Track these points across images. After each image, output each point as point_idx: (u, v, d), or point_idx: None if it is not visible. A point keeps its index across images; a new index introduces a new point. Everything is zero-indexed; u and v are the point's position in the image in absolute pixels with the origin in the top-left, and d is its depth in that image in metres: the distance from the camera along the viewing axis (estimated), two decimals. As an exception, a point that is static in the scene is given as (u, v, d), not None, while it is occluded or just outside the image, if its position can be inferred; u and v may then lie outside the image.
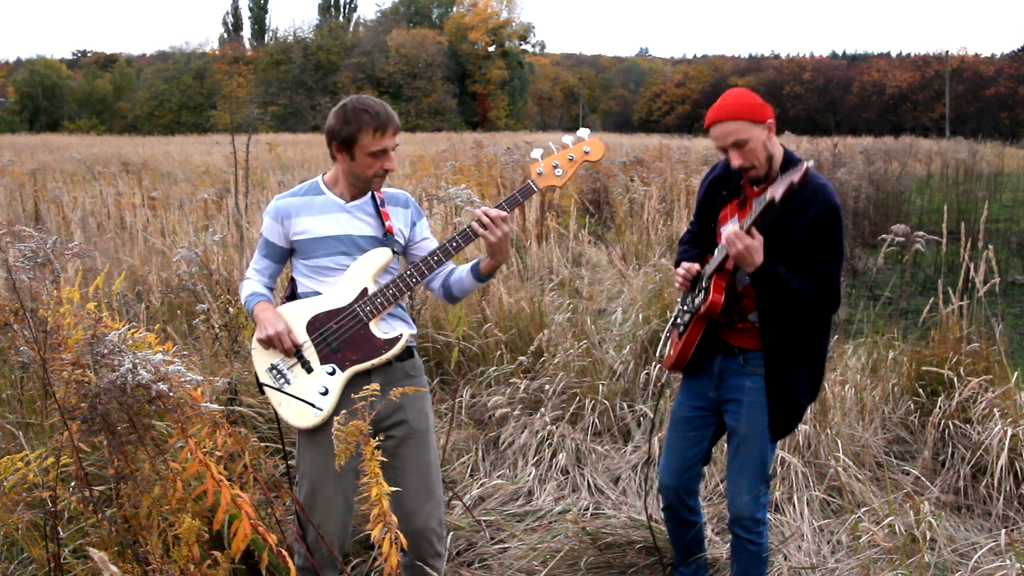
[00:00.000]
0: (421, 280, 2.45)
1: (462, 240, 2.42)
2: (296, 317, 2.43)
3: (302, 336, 2.41)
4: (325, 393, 2.37)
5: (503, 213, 2.37)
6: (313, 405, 2.36)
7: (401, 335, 2.44)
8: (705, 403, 2.70)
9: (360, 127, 2.32)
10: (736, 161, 2.42)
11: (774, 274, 2.39)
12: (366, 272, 2.44)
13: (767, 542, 2.69)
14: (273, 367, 2.41)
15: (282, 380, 2.40)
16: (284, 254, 2.53)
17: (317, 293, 2.46)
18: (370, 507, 1.82)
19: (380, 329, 2.44)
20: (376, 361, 2.41)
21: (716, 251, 2.52)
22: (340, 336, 2.40)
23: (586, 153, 2.48)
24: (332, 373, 2.39)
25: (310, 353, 2.40)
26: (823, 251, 2.44)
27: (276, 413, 2.45)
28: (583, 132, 2.50)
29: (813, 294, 2.42)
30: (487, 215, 2.36)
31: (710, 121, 2.43)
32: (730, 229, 2.40)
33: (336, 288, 2.44)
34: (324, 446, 2.35)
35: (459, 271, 2.56)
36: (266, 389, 2.42)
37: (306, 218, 2.44)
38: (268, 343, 2.38)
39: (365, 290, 2.43)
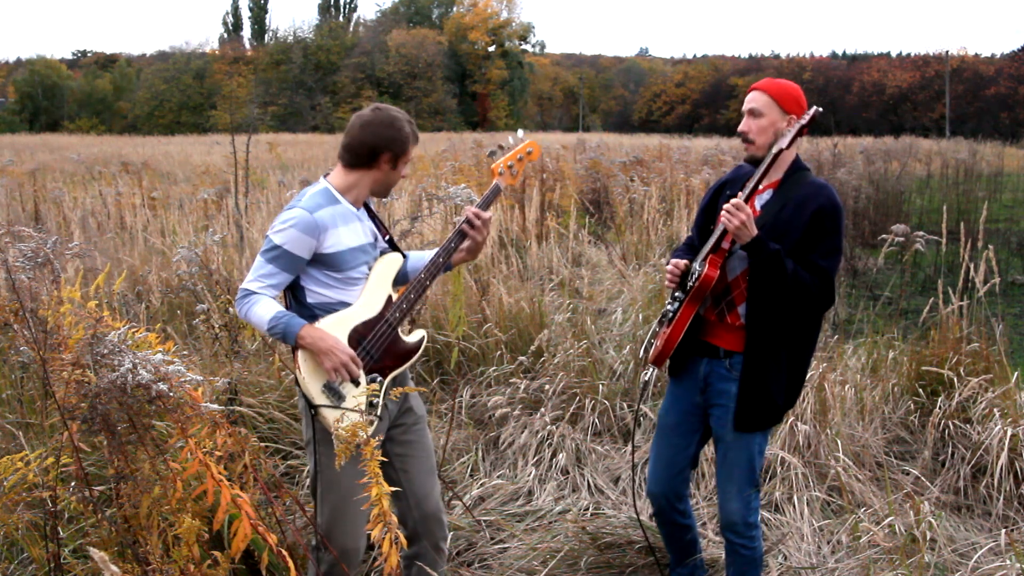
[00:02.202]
0: (433, 281, 2.55)
1: (458, 240, 2.56)
2: (337, 332, 2.40)
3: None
4: (373, 403, 2.42)
5: (489, 215, 2.57)
6: (368, 416, 2.39)
7: (423, 335, 2.57)
8: (691, 408, 2.69)
9: (411, 141, 2.47)
10: (742, 126, 2.56)
11: (768, 247, 2.41)
12: (387, 279, 2.52)
13: (760, 545, 2.69)
14: (327, 386, 2.37)
15: (336, 398, 2.38)
16: (302, 267, 2.43)
17: (341, 303, 2.44)
18: (370, 507, 1.82)
19: (404, 334, 2.53)
20: (409, 364, 2.52)
21: (713, 232, 2.56)
22: (380, 346, 2.45)
23: (529, 153, 2.76)
24: (374, 381, 2.43)
25: None
26: (821, 247, 2.46)
27: (316, 433, 2.42)
28: (520, 133, 2.79)
29: (807, 281, 2.43)
30: (479, 216, 2.54)
31: (751, 87, 2.60)
32: (728, 203, 2.42)
33: (364, 298, 2.46)
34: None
35: (414, 260, 2.65)
36: (322, 411, 2.37)
37: (336, 230, 2.41)
38: (342, 372, 2.34)
39: (390, 297, 2.49)
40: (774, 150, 2.41)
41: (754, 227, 2.41)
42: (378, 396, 2.41)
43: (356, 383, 2.39)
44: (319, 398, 2.35)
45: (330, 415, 2.35)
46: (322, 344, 2.31)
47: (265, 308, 2.34)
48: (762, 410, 2.53)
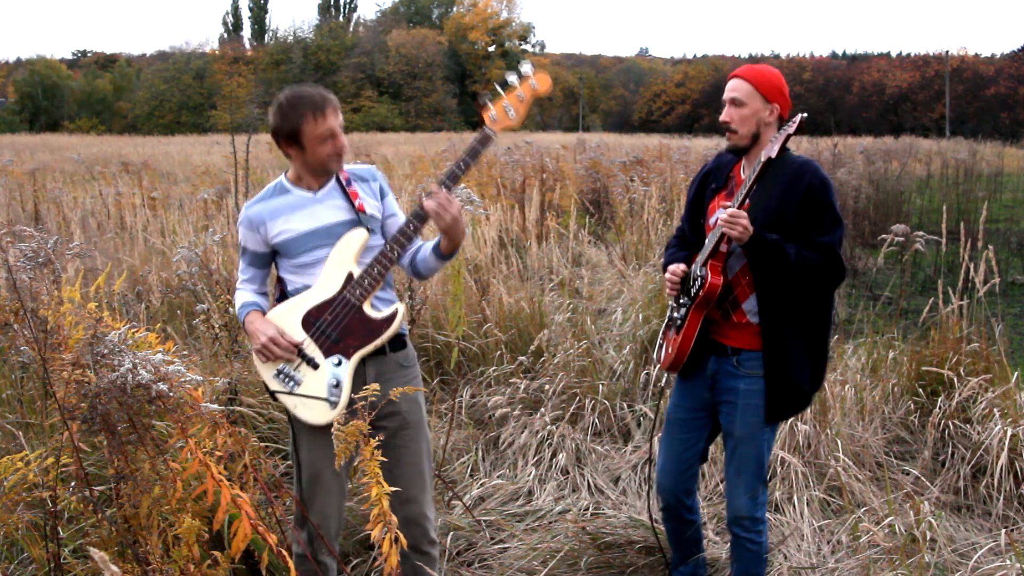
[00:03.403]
0: (403, 252, 2.45)
1: (416, 222, 2.43)
2: (289, 317, 2.42)
3: (299, 335, 2.39)
4: (337, 385, 2.37)
5: (445, 196, 2.36)
6: (328, 400, 2.36)
7: (396, 310, 2.43)
8: (700, 404, 2.70)
9: (300, 117, 2.33)
10: (724, 116, 2.54)
11: (766, 240, 2.41)
12: (347, 257, 2.43)
13: (766, 541, 2.70)
14: (279, 372, 2.40)
15: (291, 383, 2.38)
16: (267, 258, 2.53)
17: (306, 287, 2.45)
18: (370, 507, 1.82)
19: (374, 310, 2.43)
20: (379, 341, 2.41)
21: (707, 240, 2.55)
22: (337, 325, 2.39)
23: (534, 88, 2.47)
24: (339, 364, 2.38)
25: (312, 349, 2.39)
26: (818, 223, 2.46)
27: (291, 415, 2.44)
28: (526, 67, 2.47)
29: (813, 261, 2.43)
30: (435, 199, 2.36)
31: (732, 75, 2.57)
32: (725, 213, 2.42)
33: (321, 279, 2.43)
34: (321, 434, 2.37)
35: (424, 249, 2.56)
36: (278, 396, 2.40)
37: (280, 219, 2.43)
38: (265, 352, 2.37)
39: (350, 274, 2.42)
40: (763, 158, 2.38)
41: (751, 226, 2.41)
42: (339, 379, 2.36)
43: (315, 366, 2.38)
44: (272, 384, 2.41)
45: (286, 400, 2.39)
46: (251, 327, 2.41)
47: (238, 300, 2.53)
48: (791, 399, 2.54)
